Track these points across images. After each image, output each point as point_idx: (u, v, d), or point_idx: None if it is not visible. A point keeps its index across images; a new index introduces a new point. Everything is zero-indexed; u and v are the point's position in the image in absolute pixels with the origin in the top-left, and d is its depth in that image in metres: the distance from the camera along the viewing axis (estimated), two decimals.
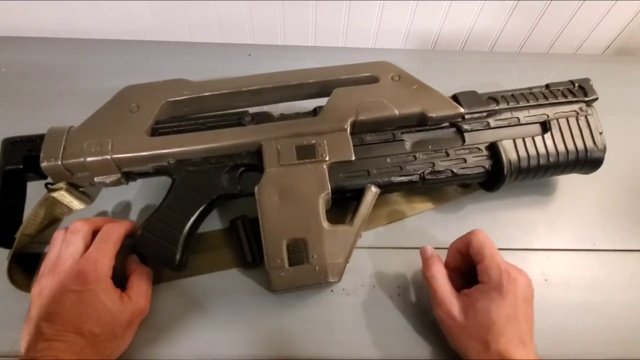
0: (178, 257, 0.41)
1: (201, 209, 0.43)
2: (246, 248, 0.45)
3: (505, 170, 0.44)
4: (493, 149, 0.45)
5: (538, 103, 0.46)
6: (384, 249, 0.48)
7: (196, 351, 0.42)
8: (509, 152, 0.44)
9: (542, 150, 0.45)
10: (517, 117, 0.46)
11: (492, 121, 0.46)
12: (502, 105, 0.46)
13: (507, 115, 0.46)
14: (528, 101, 0.46)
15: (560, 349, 0.43)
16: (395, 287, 0.46)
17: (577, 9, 0.60)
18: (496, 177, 0.45)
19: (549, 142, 0.45)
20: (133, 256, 0.44)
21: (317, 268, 0.40)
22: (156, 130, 0.44)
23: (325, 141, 0.43)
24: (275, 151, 0.43)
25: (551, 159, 0.45)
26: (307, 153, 0.43)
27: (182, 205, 0.42)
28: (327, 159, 0.43)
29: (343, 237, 0.41)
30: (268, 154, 0.43)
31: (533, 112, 0.46)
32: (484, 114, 0.46)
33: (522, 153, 0.44)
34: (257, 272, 0.46)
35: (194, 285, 0.45)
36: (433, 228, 0.49)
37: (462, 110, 0.45)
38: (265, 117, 0.45)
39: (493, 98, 0.47)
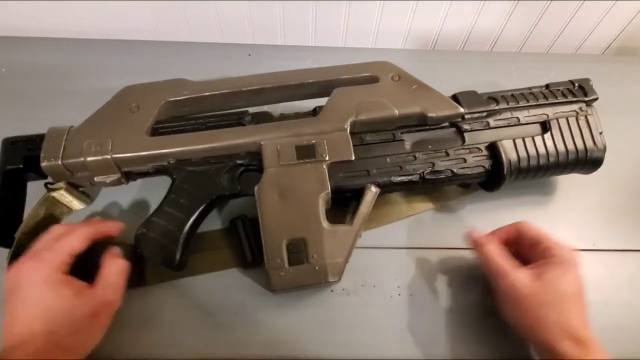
0: (178, 256, 0.42)
1: (201, 208, 0.43)
2: (246, 248, 0.45)
3: (505, 170, 0.44)
4: (493, 149, 0.45)
5: (538, 103, 0.46)
6: (384, 249, 0.48)
7: (196, 351, 0.42)
8: (508, 152, 0.44)
9: (542, 150, 0.45)
10: (517, 117, 0.46)
11: (492, 121, 0.46)
12: (502, 105, 0.46)
13: (507, 115, 0.46)
14: (528, 101, 0.46)
15: None
16: (395, 287, 0.46)
17: (577, 9, 0.60)
18: (496, 177, 0.45)
19: (549, 142, 0.45)
20: (112, 249, 0.43)
21: (317, 268, 0.40)
22: (156, 130, 0.44)
23: (325, 141, 0.43)
24: (275, 151, 0.43)
25: (551, 159, 0.45)
26: (307, 153, 0.43)
27: (182, 205, 0.42)
28: (327, 158, 0.42)
29: (343, 236, 0.41)
30: (268, 154, 0.43)
31: (533, 112, 0.46)
32: (484, 114, 0.46)
33: (522, 153, 0.44)
34: (257, 272, 0.46)
35: (194, 285, 0.45)
36: (433, 228, 0.49)
37: (462, 110, 0.45)
38: (265, 117, 0.45)
39: (493, 98, 0.47)
